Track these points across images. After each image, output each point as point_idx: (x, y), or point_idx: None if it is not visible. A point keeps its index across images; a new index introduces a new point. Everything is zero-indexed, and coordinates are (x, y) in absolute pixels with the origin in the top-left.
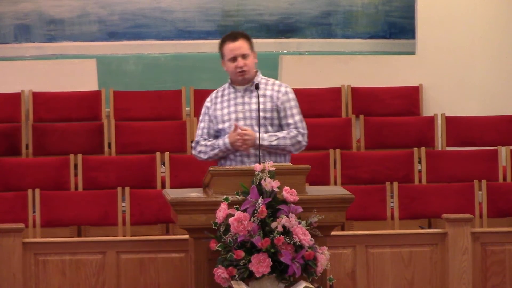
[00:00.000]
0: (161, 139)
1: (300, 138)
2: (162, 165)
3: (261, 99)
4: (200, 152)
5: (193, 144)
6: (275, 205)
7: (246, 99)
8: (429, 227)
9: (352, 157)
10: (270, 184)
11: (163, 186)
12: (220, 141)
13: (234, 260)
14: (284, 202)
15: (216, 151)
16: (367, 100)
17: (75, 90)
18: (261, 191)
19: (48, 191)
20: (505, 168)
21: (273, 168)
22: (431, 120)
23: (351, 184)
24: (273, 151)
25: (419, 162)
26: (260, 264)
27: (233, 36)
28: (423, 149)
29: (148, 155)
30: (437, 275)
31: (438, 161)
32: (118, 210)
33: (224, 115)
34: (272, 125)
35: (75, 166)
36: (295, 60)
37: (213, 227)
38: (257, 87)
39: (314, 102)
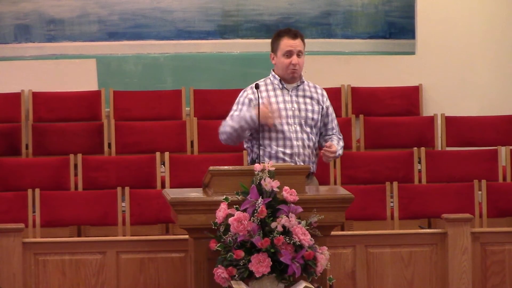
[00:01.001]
0: (161, 139)
1: (343, 143)
2: (162, 165)
3: (309, 101)
4: (225, 126)
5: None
6: (275, 205)
7: (294, 98)
8: (429, 227)
9: (352, 157)
10: (270, 184)
11: (163, 186)
12: (246, 114)
13: (234, 260)
14: (284, 202)
15: (243, 122)
16: (367, 100)
17: (75, 90)
18: (261, 191)
19: (48, 191)
20: (505, 168)
21: (273, 168)
22: (431, 120)
23: (351, 184)
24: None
25: (419, 162)
26: (260, 264)
27: (292, 33)
28: (423, 149)
29: (148, 155)
30: (437, 275)
31: (438, 161)
32: (118, 210)
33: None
34: (315, 126)
35: (75, 166)
36: None
37: (213, 227)
38: (257, 87)
39: None
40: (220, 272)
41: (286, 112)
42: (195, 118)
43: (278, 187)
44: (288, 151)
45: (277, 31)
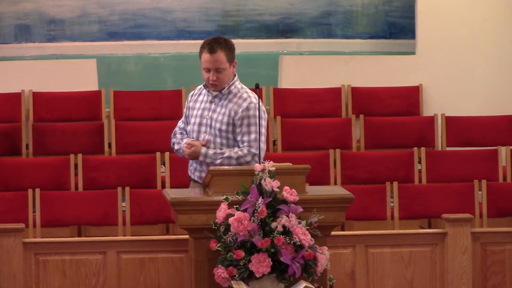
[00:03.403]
0: (161, 139)
1: (249, 158)
2: (162, 165)
3: (224, 110)
4: (173, 143)
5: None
6: (275, 205)
7: (213, 106)
8: (429, 227)
9: (352, 157)
10: (270, 184)
11: (163, 186)
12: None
13: (234, 260)
14: (284, 202)
15: (178, 147)
16: (367, 100)
17: (75, 90)
18: (261, 191)
19: (48, 191)
20: (505, 168)
21: (273, 168)
22: (431, 120)
23: (351, 184)
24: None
25: (419, 162)
26: (260, 264)
27: (211, 47)
28: (423, 149)
29: (148, 155)
30: (437, 275)
31: (438, 161)
32: (118, 210)
33: (192, 116)
34: (227, 138)
35: (75, 166)
36: (295, 60)
37: (213, 227)
38: (257, 86)
39: (314, 102)
40: (220, 272)
41: (200, 120)
42: None
43: (278, 187)
44: (197, 160)
45: (204, 40)
